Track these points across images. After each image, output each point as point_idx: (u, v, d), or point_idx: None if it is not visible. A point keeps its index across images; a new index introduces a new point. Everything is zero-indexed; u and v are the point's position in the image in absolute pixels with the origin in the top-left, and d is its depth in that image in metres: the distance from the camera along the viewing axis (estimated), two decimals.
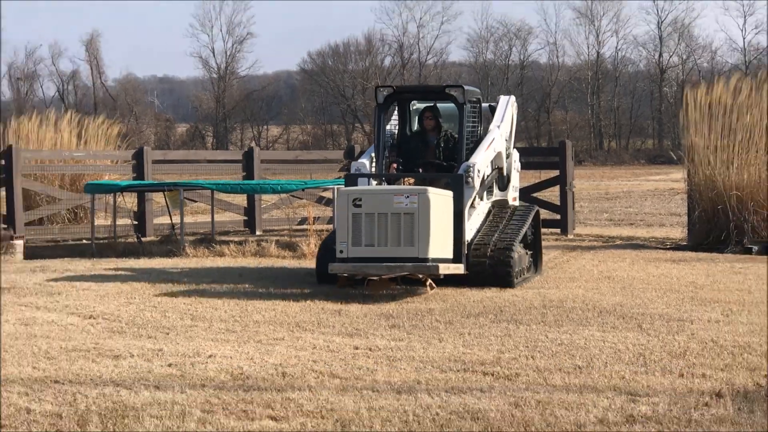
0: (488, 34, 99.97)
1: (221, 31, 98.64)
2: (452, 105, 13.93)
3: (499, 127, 14.40)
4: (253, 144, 74.13)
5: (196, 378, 8.11)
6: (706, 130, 19.34)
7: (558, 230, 21.99)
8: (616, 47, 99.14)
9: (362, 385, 7.88)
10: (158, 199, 22.42)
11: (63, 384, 7.88)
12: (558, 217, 22.23)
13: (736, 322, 10.59)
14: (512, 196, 15.16)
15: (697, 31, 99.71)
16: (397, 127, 14.66)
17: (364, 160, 13.92)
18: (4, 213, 20.70)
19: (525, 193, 22.85)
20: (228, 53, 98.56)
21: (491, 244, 13.21)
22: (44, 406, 7.25)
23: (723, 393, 7.51)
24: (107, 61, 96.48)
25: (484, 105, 14.78)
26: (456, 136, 13.89)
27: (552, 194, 22.55)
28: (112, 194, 20.55)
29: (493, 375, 8.18)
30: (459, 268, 12.76)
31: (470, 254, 13.09)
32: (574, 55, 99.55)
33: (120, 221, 21.30)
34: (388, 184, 13.34)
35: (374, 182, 13.41)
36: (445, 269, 12.25)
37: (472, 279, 13.01)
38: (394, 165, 13.98)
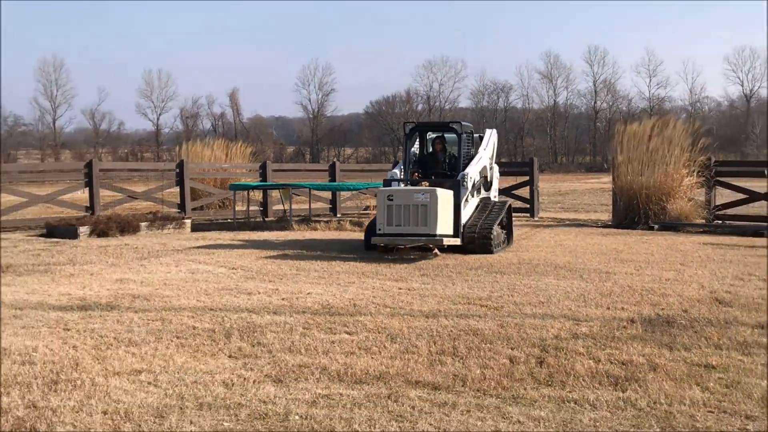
0: (484, 89, 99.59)
1: (315, 87, 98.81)
2: (454, 135, 13.92)
3: (485, 149, 14.30)
4: (335, 159, 74.23)
5: (299, 307, 8.16)
6: (626, 151, 19.33)
7: (528, 215, 21.93)
8: (566, 97, 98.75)
9: (404, 312, 7.90)
10: (275, 194, 22.50)
11: (215, 311, 7.95)
12: (528, 206, 22.17)
13: (643, 274, 10.49)
14: (494, 195, 14.88)
15: (618, 87, 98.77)
16: (418, 149, 14.56)
17: (396, 171, 13.90)
18: (179, 202, 20.86)
19: (508, 190, 22.80)
20: (319, 102, 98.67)
21: (478, 225, 13.03)
22: (203, 324, 7.32)
23: (635, 320, 7.48)
24: (243, 106, 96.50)
25: (476, 135, 14.73)
26: (456, 155, 13.83)
27: (524, 191, 22.44)
28: (246, 191, 20.69)
29: (486, 306, 8.16)
30: (457, 241, 12.68)
31: (464, 232, 12.92)
32: (539, 102, 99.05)
33: (251, 208, 21.38)
34: (412, 186, 13.03)
35: (402, 184, 13.26)
36: (447, 241, 12.30)
37: (465, 249, 12.84)
38: (416, 174, 13.80)
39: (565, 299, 8.58)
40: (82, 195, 21.13)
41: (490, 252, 12.78)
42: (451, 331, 6.99)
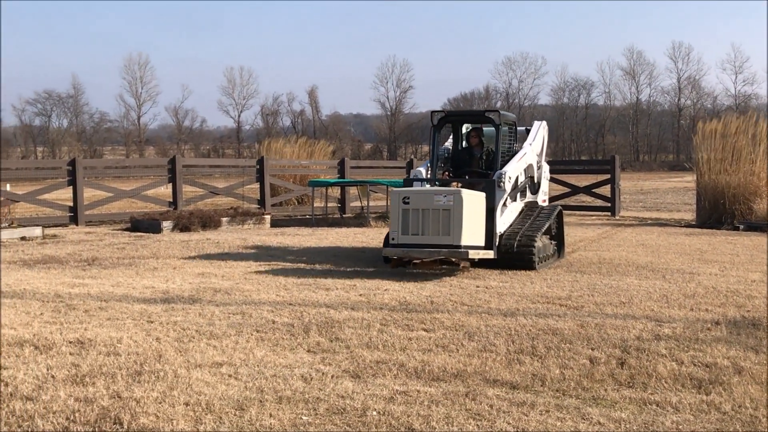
0: (565, 85, 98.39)
1: (393, 84, 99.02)
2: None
3: (530, 144, 12.00)
4: (412, 156, 74.29)
5: (376, 303, 8.18)
6: (710, 149, 18.91)
7: (609, 213, 21.60)
8: (649, 94, 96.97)
9: (482, 310, 7.85)
10: (353, 191, 22.64)
11: (294, 305, 8.03)
12: (609, 204, 21.84)
13: (728, 275, 10.24)
14: (542, 198, 12.54)
15: (703, 84, 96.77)
16: (452, 145, 12.50)
17: (421, 168, 11.81)
18: (259, 198, 21.14)
19: (588, 188, 22.57)
20: (396, 99, 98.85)
21: (518, 235, 10.89)
22: (282, 318, 7.40)
23: (720, 321, 7.29)
24: (322, 103, 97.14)
25: (522, 128, 12.65)
26: (495, 151, 11.58)
27: (605, 190, 22.12)
28: (325, 187, 20.86)
29: (566, 306, 8.07)
30: (489, 254, 10.59)
31: (501, 243, 10.85)
32: (621, 99, 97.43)
33: (330, 204, 21.55)
34: (441, 186, 11.00)
35: (428, 185, 11.20)
36: (474, 254, 10.18)
37: (502, 263, 10.81)
38: (446, 173, 11.82)
39: (647, 300, 8.41)
40: (165, 190, 21.62)
41: (532, 268, 10.70)
42: (530, 330, 6.92)
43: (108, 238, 15.14)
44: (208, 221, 16.89)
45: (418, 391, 5.13)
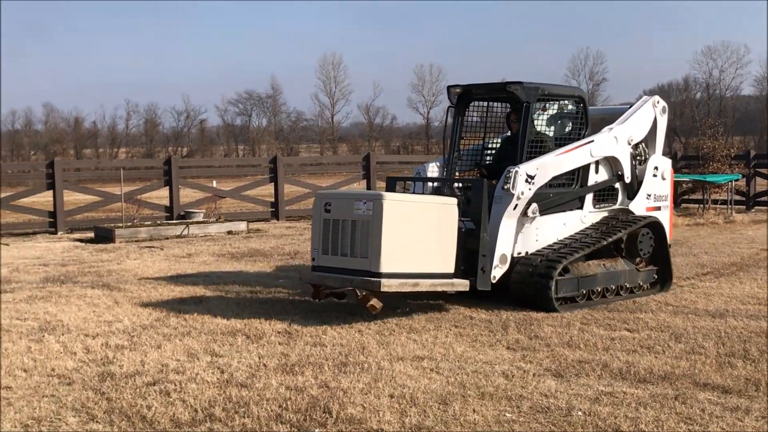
0: None
1: (585, 77, 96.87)
2: (555, 109, 9.21)
3: (611, 129, 8.97)
4: None
5: None
6: None
7: None
8: None
9: (687, 310, 7.58)
10: None
11: (490, 301, 7.95)
12: None
13: None
14: (645, 205, 9.05)
15: None
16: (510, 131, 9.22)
17: (432, 164, 9.09)
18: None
19: None
20: (589, 92, 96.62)
21: (538, 260, 7.85)
22: (480, 314, 7.44)
23: None
24: None
25: (623, 105, 9.94)
26: (544, 137, 8.68)
27: None
28: None
29: None
30: (453, 285, 7.33)
31: (514, 270, 7.80)
32: None
33: None
34: (452, 188, 8.24)
35: (432, 185, 8.59)
36: (397, 286, 6.96)
37: (515, 294, 7.85)
38: (477, 171, 9.02)
39: None
40: (358, 186, 22.12)
41: (550, 306, 7.57)
42: (741, 332, 6.61)
43: (307, 233, 15.65)
44: None
45: (624, 393, 5.02)
